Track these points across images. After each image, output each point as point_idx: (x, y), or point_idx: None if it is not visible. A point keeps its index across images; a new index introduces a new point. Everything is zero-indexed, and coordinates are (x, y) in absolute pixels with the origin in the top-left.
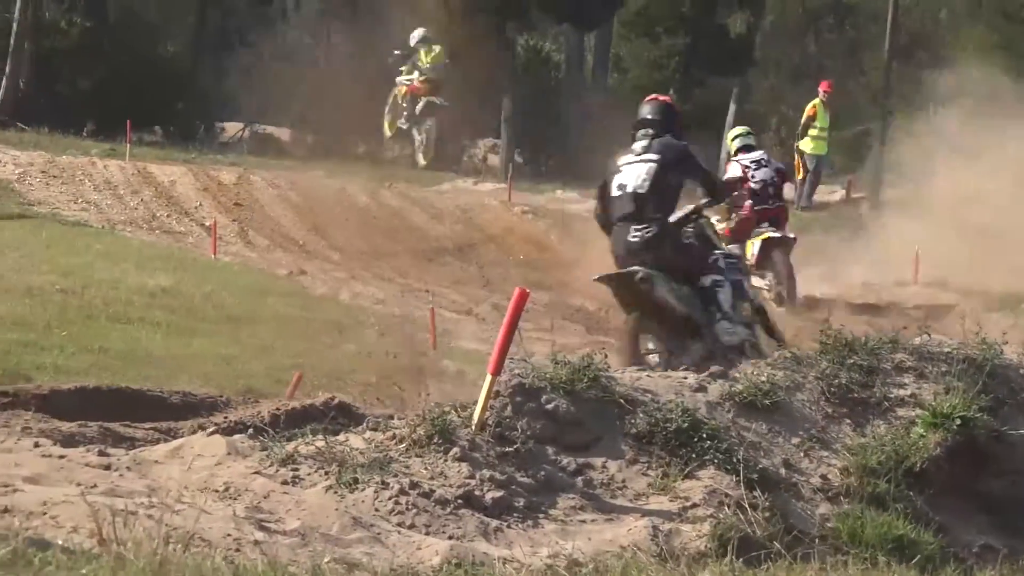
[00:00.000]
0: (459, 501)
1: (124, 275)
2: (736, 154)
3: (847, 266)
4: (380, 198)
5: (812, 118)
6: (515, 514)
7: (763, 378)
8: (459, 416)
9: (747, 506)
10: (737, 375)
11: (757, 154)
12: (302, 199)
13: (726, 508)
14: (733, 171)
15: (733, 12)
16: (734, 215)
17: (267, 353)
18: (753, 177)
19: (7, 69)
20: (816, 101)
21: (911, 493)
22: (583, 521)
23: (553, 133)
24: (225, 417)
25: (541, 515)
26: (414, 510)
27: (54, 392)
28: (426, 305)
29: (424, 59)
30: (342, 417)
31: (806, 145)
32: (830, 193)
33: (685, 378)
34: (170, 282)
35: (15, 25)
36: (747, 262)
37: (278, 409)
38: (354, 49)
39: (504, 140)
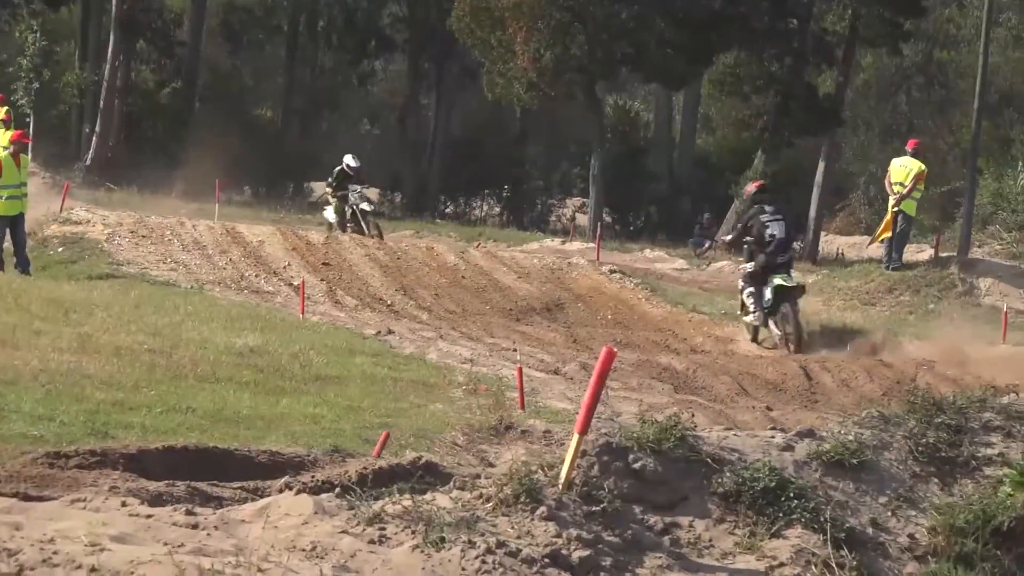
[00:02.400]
0: (546, 560)
1: (212, 335)
2: None
3: (936, 325)
4: (468, 257)
5: (922, 179)
6: (602, 573)
7: (850, 437)
8: (546, 475)
9: (834, 565)
10: (824, 434)
11: None
12: (390, 259)
13: (813, 567)
14: None
15: (822, 71)
16: None
17: (354, 412)
18: None
19: (96, 129)
20: (920, 164)
21: (999, 552)
22: None
23: (641, 192)
24: (312, 476)
25: (628, 574)
26: (500, 569)
27: (142, 451)
28: (514, 364)
29: None
30: (429, 476)
31: (909, 207)
32: (917, 252)
33: (772, 437)
34: (258, 342)
35: (104, 85)
36: None
37: (365, 468)
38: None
39: (592, 199)
